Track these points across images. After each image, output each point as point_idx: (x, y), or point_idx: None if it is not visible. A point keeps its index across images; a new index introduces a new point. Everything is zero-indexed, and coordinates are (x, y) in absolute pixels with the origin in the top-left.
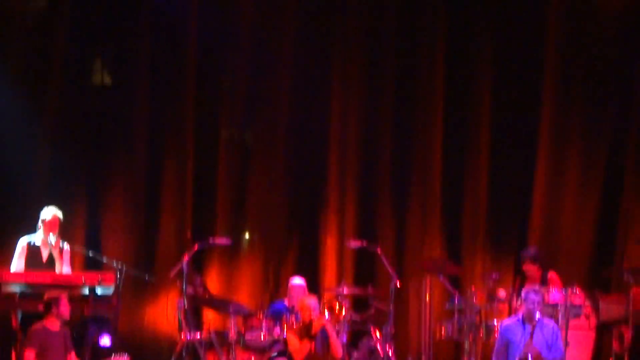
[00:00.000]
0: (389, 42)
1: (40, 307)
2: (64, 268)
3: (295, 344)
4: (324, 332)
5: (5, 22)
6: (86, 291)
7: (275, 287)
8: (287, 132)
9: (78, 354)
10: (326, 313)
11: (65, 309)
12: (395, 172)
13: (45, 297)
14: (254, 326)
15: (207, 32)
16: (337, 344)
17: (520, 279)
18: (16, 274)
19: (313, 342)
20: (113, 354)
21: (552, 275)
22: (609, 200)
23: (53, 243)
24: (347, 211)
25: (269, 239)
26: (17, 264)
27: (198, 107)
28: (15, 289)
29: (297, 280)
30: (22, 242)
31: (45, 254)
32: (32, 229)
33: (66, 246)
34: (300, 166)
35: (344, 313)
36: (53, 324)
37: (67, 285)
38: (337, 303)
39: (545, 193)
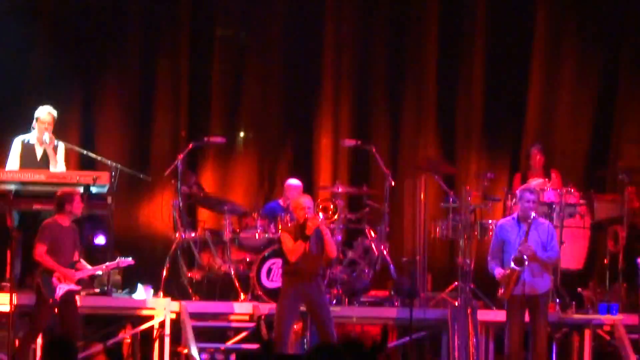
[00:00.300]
0: None
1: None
2: (58, 166)
3: (289, 244)
4: (318, 232)
5: None
6: (81, 190)
7: (270, 186)
8: (282, 31)
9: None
10: (320, 213)
11: (78, 206)
12: (390, 71)
13: (59, 193)
14: (248, 225)
15: None
16: (332, 244)
17: (521, 175)
18: (10, 172)
19: (307, 242)
20: (118, 257)
21: (555, 172)
22: (603, 100)
23: (47, 141)
24: (342, 110)
25: (264, 138)
26: (12, 162)
27: (193, 5)
28: (9, 187)
29: (294, 181)
30: (17, 141)
31: (39, 153)
32: (27, 129)
33: (61, 144)
34: (295, 65)
35: (338, 213)
36: (64, 220)
37: (61, 184)
38: (332, 203)
39: (541, 93)
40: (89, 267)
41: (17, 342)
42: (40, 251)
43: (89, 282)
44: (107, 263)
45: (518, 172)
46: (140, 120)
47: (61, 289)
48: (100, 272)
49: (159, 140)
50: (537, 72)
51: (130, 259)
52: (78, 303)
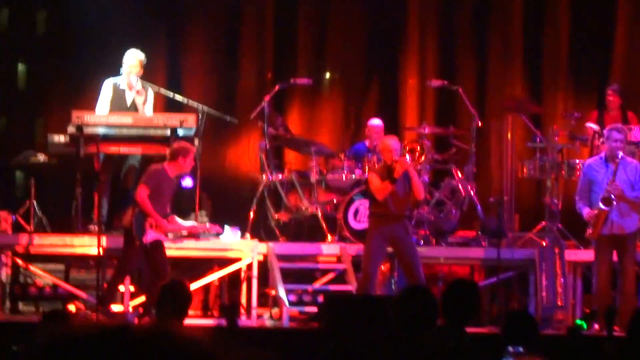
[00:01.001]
0: None
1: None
2: (146, 111)
3: (377, 184)
4: (406, 173)
5: None
6: (168, 133)
7: (356, 127)
8: None
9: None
10: (407, 156)
11: (190, 163)
12: (476, 10)
13: (177, 144)
14: (335, 166)
15: None
16: (420, 186)
17: (598, 112)
18: (97, 116)
19: (393, 185)
20: (208, 224)
21: (631, 115)
22: None
23: (138, 87)
24: (428, 50)
25: (350, 79)
26: (102, 105)
27: None
28: (97, 130)
29: (376, 121)
30: (108, 83)
31: (129, 98)
32: (115, 72)
33: (150, 90)
34: (380, 6)
35: (425, 154)
36: (172, 170)
37: (147, 127)
38: (419, 145)
39: (627, 32)
40: (180, 221)
41: (104, 285)
42: (143, 193)
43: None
44: (199, 224)
45: (595, 111)
46: (226, 62)
47: (151, 234)
48: (184, 232)
49: (245, 83)
50: (624, 10)
51: (219, 226)
52: (165, 250)
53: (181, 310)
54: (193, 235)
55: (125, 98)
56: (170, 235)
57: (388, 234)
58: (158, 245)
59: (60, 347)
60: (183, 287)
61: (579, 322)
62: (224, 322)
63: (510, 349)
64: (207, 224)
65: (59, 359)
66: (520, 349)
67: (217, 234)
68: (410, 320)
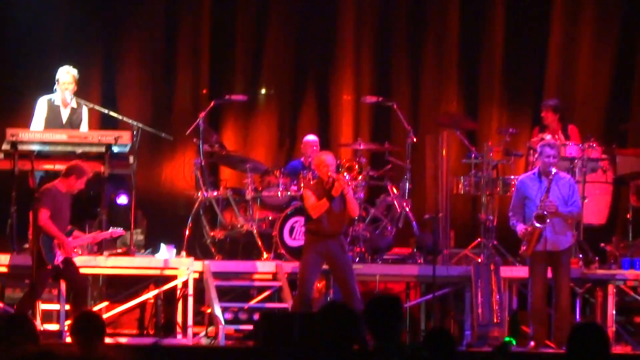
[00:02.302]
0: None
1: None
2: (82, 128)
3: (311, 201)
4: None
5: None
6: (103, 149)
7: (291, 144)
8: None
9: (94, 213)
10: (345, 174)
11: (81, 186)
12: (412, 26)
13: (74, 163)
14: (270, 183)
15: None
16: (355, 204)
17: (539, 129)
18: (32, 132)
19: (330, 202)
20: (111, 228)
21: (572, 128)
22: (624, 53)
23: (73, 104)
24: (363, 67)
25: (285, 96)
26: (36, 123)
27: None
28: (32, 147)
29: (311, 137)
30: (42, 101)
31: (65, 115)
32: (49, 88)
33: (84, 107)
34: (315, 22)
35: (363, 173)
36: (63, 187)
37: (82, 144)
38: (357, 163)
39: (561, 47)
40: (82, 235)
41: (14, 306)
42: (44, 216)
43: (112, 243)
44: (100, 232)
45: (536, 126)
46: (161, 78)
47: (59, 256)
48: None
49: (180, 99)
50: (557, 25)
51: (121, 229)
52: (77, 266)
53: (95, 340)
54: (127, 253)
55: (61, 115)
56: (105, 253)
57: (323, 250)
58: (69, 264)
59: None
60: (95, 318)
61: (507, 339)
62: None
63: None
64: (110, 229)
65: None
66: None
67: (120, 237)
68: (332, 336)
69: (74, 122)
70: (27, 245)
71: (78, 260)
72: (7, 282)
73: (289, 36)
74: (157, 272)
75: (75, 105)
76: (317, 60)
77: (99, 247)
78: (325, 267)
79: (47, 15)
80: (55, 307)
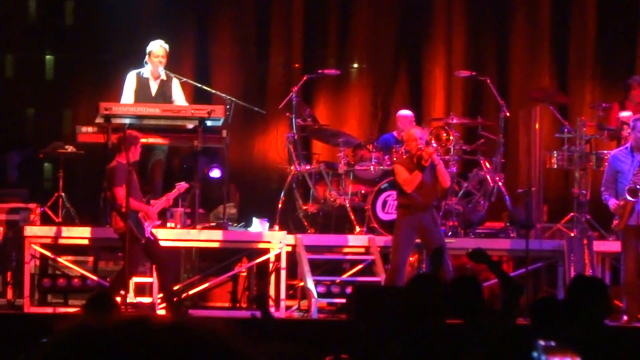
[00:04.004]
0: None
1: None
2: (179, 100)
3: (403, 175)
4: (431, 162)
5: None
6: (196, 124)
7: (383, 118)
8: None
9: (188, 183)
10: (433, 142)
11: (139, 150)
12: (503, 1)
13: (123, 133)
14: (363, 157)
15: None
16: (445, 174)
17: (619, 105)
18: (124, 106)
19: (422, 173)
20: (176, 183)
21: None
22: None
23: (163, 77)
24: (455, 41)
25: (378, 70)
26: (127, 96)
27: None
28: (124, 120)
29: (405, 112)
30: (131, 75)
31: (154, 87)
32: (140, 63)
33: (175, 80)
34: None
35: (451, 141)
36: (125, 159)
37: (175, 117)
38: (445, 131)
39: None
40: (158, 201)
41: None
42: (121, 194)
43: (205, 217)
44: (169, 193)
45: (615, 102)
46: (254, 53)
47: (148, 227)
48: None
49: (273, 73)
50: None
51: (184, 182)
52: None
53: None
54: (221, 227)
55: (150, 88)
56: (199, 226)
57: (416, 224)
58: (153, 240)
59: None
60: (109, 299)
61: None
62: (258, 313)
63: (542, 343)
64: (176, 186)
65: (78, 349)
66: (552, 344)
67: (187, 191)
68: (421, 309)
69: (164, 95)
70: (109, 226)
71: (172, 233)
72: (101, 255)
73: (382, 10)
74: (250, 245)
75: (164, 78)
76: (409, 35)
77: (192, 221)
78: (417, 240)
79: None
80: (148, 279)
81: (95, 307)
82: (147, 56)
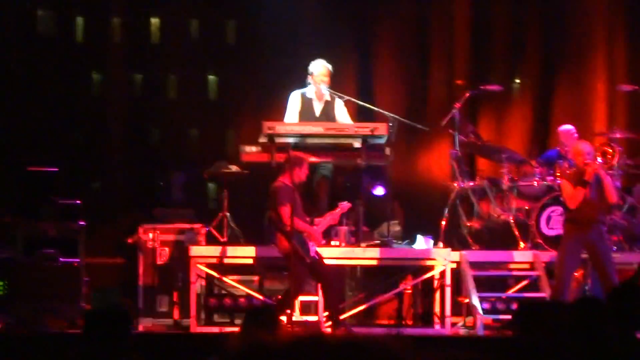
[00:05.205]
0: None
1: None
2: (343, 119)
3: (569, 191)
4: (597, 177)
5: None
6: (359, 142)
7: (545, 133)
8: None
9: (351, 203)
10: (599, 158)
11: (305, 172)
12: None
13: (291, 154)
14: (527, 173)
15: None
16: (612, 189)
17: None
18: (288, 125)
19: (587, 188)
20: (339, 203)
21: None
22: None
23: (327, 97)
24: (617, 54)
25: (539, 85)
26: (290, 117)
27: None
28: (288, 140)
29: (567, 126)
30: (295, 95)
31: (318, 108)
32: (301, 83)
33: (338, 99)
34: (568, 11)
35: (617, 158)
36: (290, 180)
37: (338, 135)
38: (610, 147)
39: None
40: (322, 220)
41: (279, 297)
42: (287, 214)
43: (369, 235)
44: (331, 212)
45: None
46: (416, 70)
47: (313, 247)
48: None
49: (435, 89)
50: None
51: (346, 202)
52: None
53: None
54: (385, 244)
55: (314, 108)
56: (363, 244)
57: (583, 239)
58: (318, 259)
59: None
60: (273, 315)
61: None
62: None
63: None
64: (340, 205)
65: None
66: None
67: (351, 209)
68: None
69: (327, 115)
70: (274, 245)
71: (336, 251)
72: (267, 274)
73: (543, 26)
74: (415, 262)
75: (329, 99)
76: (570, 50)
77: (357, 239)
78: (583, 255)
79: (301, 10)
80: (313, 298)
81: (256, 323)
82: (309, 76)
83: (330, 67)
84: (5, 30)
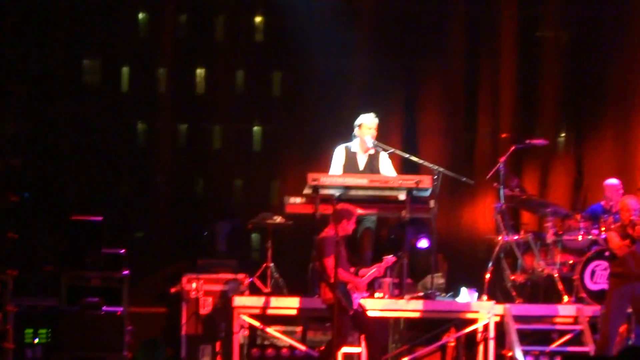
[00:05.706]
0: None
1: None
2: (388, 172)
3: (616, 242)
4: None
5: None
6: (404, 194)
7: (590, 187)
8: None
9: (397, 256)
10: None
11: (352, 225)
12: None
13: (340, 207)
14: (571, 227)
15: None
16: None
17: None
18: (332, 177)
19: (634, 245)
20: (384, 256)
21: None
22: None
23: (371, 150)
24: None
25: (584, 139)
26: (335, 170)
27: (519, 7)
28: (332, 191)
29: (613, 180)
30: (340, 149)
31: (362, 161)
32: (346, 137)
33: (383, 154)
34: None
35: None
36: (337, 232)
37: (383, 188)
38: None
39: None
40: (367, 271)
41: (322, 348)
42: (331, 265)
43: (412, 287)
44: (378, 264)
45: None
46: (461, 123)
47: (357, 298)
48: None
49: (480, 143)
50: None
51: (391, 256)
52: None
53: None
54: (429, 297)
55: (358, 162)
56: (406, 297)
57: (628, 293)
58: (361, 310)
59: None
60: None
61: None
62: None
63: None
64: (384, 259)
65: None
66: None
67: (393, 263)
68: None
69: (372, 168)
70: (317, 297)
71: (380, 303)
72: (310, 325)
73: (588, 82)
74: (458, 315)
75: (373, 152)
76: (614, 105)
77: (400, 291)
78: (628, 310)
79: (347, 63)
80: (356, 349)
81: None
82: (356, 128)
83: (377, 120)
84: (51, 80)
